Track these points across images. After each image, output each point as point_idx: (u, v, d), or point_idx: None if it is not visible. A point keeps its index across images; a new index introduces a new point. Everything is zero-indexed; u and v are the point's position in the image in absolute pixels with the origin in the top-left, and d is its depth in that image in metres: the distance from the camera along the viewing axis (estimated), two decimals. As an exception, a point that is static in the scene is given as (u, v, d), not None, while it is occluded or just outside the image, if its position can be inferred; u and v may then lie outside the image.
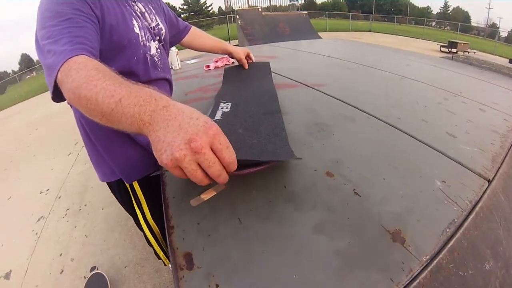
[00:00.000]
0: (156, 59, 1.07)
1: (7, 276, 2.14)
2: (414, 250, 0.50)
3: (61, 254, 2.26)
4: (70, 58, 0.62)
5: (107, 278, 1.86)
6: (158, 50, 1.08)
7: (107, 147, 1.04)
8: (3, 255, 2.39)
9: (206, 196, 0.60)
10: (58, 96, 0.68)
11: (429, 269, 0.48)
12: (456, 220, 0.57)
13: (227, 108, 1.04)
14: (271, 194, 0.64)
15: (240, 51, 1.49)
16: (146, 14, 1.03)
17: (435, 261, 0.49)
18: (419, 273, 0.47)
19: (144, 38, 0.98)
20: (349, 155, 0.78)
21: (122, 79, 0.58)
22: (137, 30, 0.95)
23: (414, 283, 0.45)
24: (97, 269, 2.03)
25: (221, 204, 0.62)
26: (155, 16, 1.07)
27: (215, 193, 0.60)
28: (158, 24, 1.08)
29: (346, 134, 0.89)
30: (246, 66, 1.47)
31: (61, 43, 0.66)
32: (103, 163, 1.10)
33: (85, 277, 1.97)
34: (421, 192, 0.63)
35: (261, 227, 0.56)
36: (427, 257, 0.49)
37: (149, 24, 1.03)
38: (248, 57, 1.52)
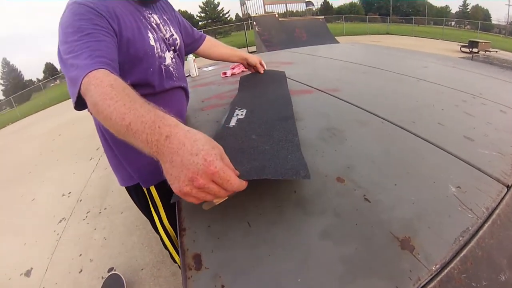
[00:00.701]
0: (172, 69, 1.10)
1: (27, 273, 2.23)
2: (423, 258, 0.48)
3: (80, 255, 2.33)
4: (90, 72, 0.67)
5: (123, 279, 1.90)
6: (173, 60, 1.11)
7: (124, 153, 1.08)
8: (25, 253, 2.49)
9: (218, 200, 0.61)
10: (80, 105, 0.73)
11: (438, 278, 0.46)
12: (470, 228, 0.54)
13: (241, 114, 1.05)
14: (281, 199, 0.65)
15: (255, 58, 1.52)
16: (161, 26, 1.06)
17: (445, 271, 0.47)
18: (428, 283, 0.45)
19: (159, 50, 1.01)
20: (360, 160, 0.77)
21: (133, 96, 0.60)
22: (152, 42, 0.98)
23: (422, 293, 0.44)
24: (115, 270, 2.08)
25: (231, 208, 0.63)
26: (169, 27, 1.11)
27: (226, 197, 0.60)
28: (172, 35, 1.11)
29: (358, 139, 0.88)
30: (262, 71, 1.50)
31: (82, 57, 0.71)
32: (122, 168, 1.14)
33: (102, 278, 2.02)
34: (434, 199, 0.62)
35: (269, 231, 0.57)
36: (437, 266, 0.47)
37: (164, 35, 1.07)
38: (260, 64, 1.54)
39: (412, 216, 0.57)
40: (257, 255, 0.52)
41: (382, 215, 0.58)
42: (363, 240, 0.53)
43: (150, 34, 0.98)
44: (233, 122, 1.00)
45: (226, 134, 0.92)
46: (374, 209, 0.60)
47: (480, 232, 0.55)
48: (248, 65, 1.54)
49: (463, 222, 0.56)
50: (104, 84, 0.63)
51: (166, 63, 1.06)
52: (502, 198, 0.64)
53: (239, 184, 0.52)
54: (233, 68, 1.98)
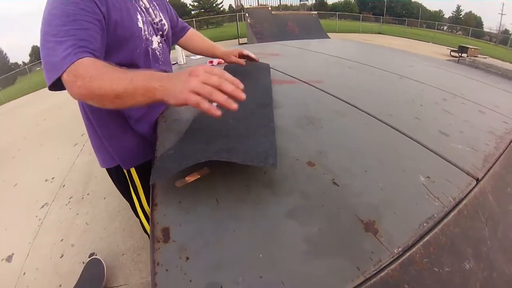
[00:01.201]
0: (158, 53, 1.10)
1: (9, 258, 2.20)
2: (386, 241, 0.50)
3: (62, 240, 2.31)
4: (75, 61, 0.71)
5: (104, 264, 1.90)
6: (160, 44, 1.11)
7: (107, 134, 1.08)
8: (6, 238, 2.45)
9: (190, 178, 0.64)
10: (55, 87, 0.77)
11: (399, 261, 0.48)
12: (435, 216, 0.56)
13: None
14: (250, 179, 0.66)
15: (230, 53, 1.46)
16: (150, 10, 1.06)
17: (407, 254, 0.49)
18: (389, 265, 0.47)
19: (146, 33, 1.01)
20: (334, 147, 0.78)
21: (121, 69, 0.73)
22: (140, 24, 0.98)
23: (382, 274, 0.46)
24: (96, 255, 2.07)
25: (202, 186, 0.64)
26: (158, 12, 1.11)
27: (199, 176, 0.62)
28: (161, 20, 1.11)
29: (334, 127, 0.90)
30: (243, 63, 1.46)
31: (66, 45, 0.72)
32: (104, 150, 1.14)
33: (83, 262, 2.01)
34: (402, 186, 0.64)
35: (236, 208, 0.58)
36: (399, 249, 0.49)
37: (153, 20, 1.07)
38: (242, 55, 1.50)
39: (378, 201, 0.59)
40: (223, 230, 0.53)
41: (349, 199, 0.60)
42: (328, 221, 0.54)
43: (138, 16, 0.98)
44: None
45: (203, 116, 0.93)
46: (342, 192, 0.61)
47: (445, 220, 0.57)
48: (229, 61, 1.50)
49: (429, 209, 0.58)
50: (97, 65, 0.73)
51: (153, 47, 1.06)
52: (471, 190, 0.66)
53: (231, 77, 0.68)
54: (222, 58, 1.96)
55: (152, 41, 1.05)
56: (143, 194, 1.21)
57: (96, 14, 0.81)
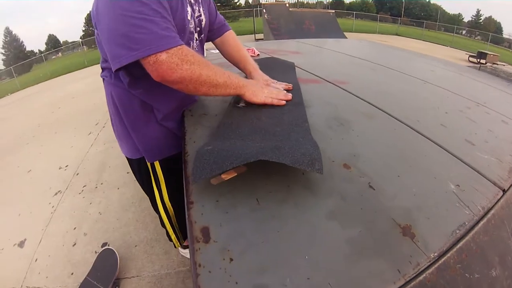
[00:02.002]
0: (196, 48, 1.11)
1: (21, 244, 2.23)
2: (422, 246, 0.51)
3: (75, 228, 2.33)
4: (181, 45, 0.80)
5: (117, 255, 1.91)
6: (198, 40, 1.11)
7: (134, 125, 1.08)
8: (19, 224, 2.48)
9: (226, 176, 0.63)
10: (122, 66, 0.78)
11: (436, 265, 0.49)
12: (466, 223, 0.57)
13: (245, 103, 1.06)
14: (290, 180, 0.66)
15: (260, 77, 1.24)
16: (194, 5, 1.05)
17: (442, 259, 0.50)
18: (426, 268, 0.48)
19: (192, 26, 1.02)
20: (366, 150, 0.79)
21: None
22: (189, 17, 0.98)
23: (421, 277, 0.47)
24: (108, 245, 2.09)
25: (240, 185, 0.64)
26: (200, 6, 1.09)
27: (235, 174, 0.62)
28: (200, 15, 1.09)
29: (364, 130, 0.90)
30: None
31: (160, 26, 0.77)
32: (129, 140, 1.13)
33: (96, 252, 2.03)
34: (434, 193, 0.64)
35: (277, 209, 0.58)
36: (435, 254, 0.50)
37: (195, 14, 1.05)
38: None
39: (412, 206, 0.60)
40: (266, 231, 0.53)
41: (385, 202, 0.60)
42: (367, 224, 0.55)
43: (188, 9, 0.98)
44: (242, 103, 1.01)
45: (235, 113, 0.94)
46: (378, 196, 0.62)
47: (476, 228, 0.58)
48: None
49: (460, 217, 0.58)
50: (199, 55, 0.85)
51: (194, 42, 1.07)
52: (498, 200, 0.66)
53: (284, 91, 1.12)
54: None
55: (194, 36, 1.06)
56: (165, 188, 1.22)
57: (167, 1, 0.84)
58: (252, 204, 0.59)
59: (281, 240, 0.51)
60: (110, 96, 1.09)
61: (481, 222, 0.59)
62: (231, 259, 0.48)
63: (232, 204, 0.60)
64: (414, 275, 0.46)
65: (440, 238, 0.53)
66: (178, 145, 1.08)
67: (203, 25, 1.12)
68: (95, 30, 0.90)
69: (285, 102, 1.01)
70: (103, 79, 1.08)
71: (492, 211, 0.63)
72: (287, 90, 1.14)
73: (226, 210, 0.58)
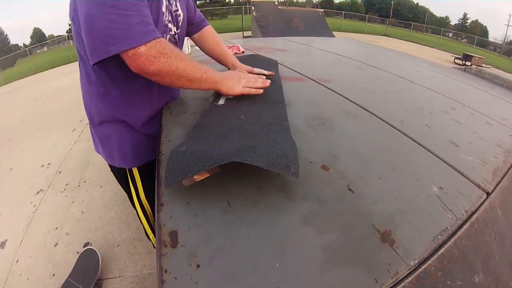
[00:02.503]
0: (172, 43, 1.05)
1: (2, 245, 2.16)
2: (402, 253, 0.49)
3: (56, 228, 2.28)
4: (159, 37, 0.79)
5: (99, 255, 1.87)
6: (175, 35, 1.08)
7: (109, 133, 1.08)
8: (0, 224, 2.41)
9: (198, 177, 0.61)
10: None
11: (416, 274, 0.47)
12: (449, 228, 0.56)
13: (226, 100, 1.04)
14: (264, 181, 0.64)
15: (243, 69, 1.30)
16: None
17: (423, 267, 0.48)
18: (405, 277, 0.46)
19: (166, 19, 0.99)
20: (347, 151, 0.77)
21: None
22: (164, 9, 0.96)
23: (399, 287, 0.45)
24: (90, 245, 2.05)
25: (212, 186, 0.62)
26: (176, 2, 1.06)
27: (208, 174, 0.59)
28: (177, 10, 1.06)
29: (346, 130, 0.88)
30: None
31: (136, 19, 0.76)
32: (106, 146, 1.13)
33: (78, 252, 1.99)
34: (416, 196, 0.62)
35: (248, 212, 0.56)
36: (415, 261, 0.48)
37: (172, 8, 1.03)
38: (252, 73, 1.37)
39: (394, 210, 0.58)
40: (236, 236, 0.51)
41: (364, 206, 0.58)
42: (345, 229, 0.52)
43: (164, 1, 0.95)
44: (221, 101, 1.00)
45: (214, 112, 0.92)
46: (357, 200, 0.60)
47: (458, 233, 0.56)
48: None
49: (443, 221, 0.57)
50: (177, 49, 0.86)
51: (169, 35, 1.04)
52: (482, 203, 0.65)
53: (262, 79, 1.12)
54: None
55: (169, 29, 1.03)
56: (141, 186, 1.19)
57: None
58: (223, 207, 0.57)
59: (250, 246, 0.49)
60: (88, 108, 1.08)
61: (464, 226, 0.58)
62: (198, 265, 0.46)
63: (203, 206, 0.57)
64: (392, 284, 0.44)
65: (421, 244, 0.51)
66: (150, 151, 1.10)
67: (180, 20, 1.09)
68: (73, 26, 0.88)
69: (262, 90, 1.06)
70: (86, 94, 1.06)
71: (476, 215, 0.62)
72: (268, 77, 1.18)
73: (196, 213, 0.56)
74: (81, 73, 1.01)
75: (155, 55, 0.78)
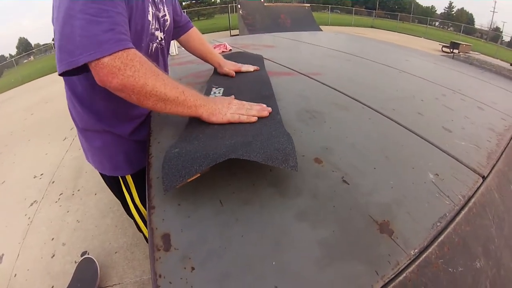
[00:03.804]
0: (159, 49, 1.05)
1: (-1, 260, 2.13)
2: (402, 242, 0.48)
3: (52, 239, 2.25)
4: (127, 48, 0.69)
5: (97, 264, 1.85)
6: (162, 41, 1.05)
7: (100, 145, 1.06)
8: (-5, 238, 2.37)
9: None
10: (68, 72, 0.69)
11: (417, 263, 0.46)
12: (447, 215, 0.55)
13: (219, 92, 1.03)
14: (256, 177, 0.63)
15: (231, 66, 1.33)
16: (158, 3, 0.99)
17: (423, 255, 0.47)
18: (406, 267, 0.45)
19: (153, 27, 0.95)
20: (339, 143, 0.76)
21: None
22: (150, 17, 0.91)
23: (400, 277, 0.44)
24: (88, 254, 2.02)
25: (203, 185, 0.61)
26: (164, 6, 1.03)
27: (199, 174, 0.58)
28: (165, 15, 1.04)
29: (338, 122, 0.87)
30: (233, 74, 1.31)
31: (104, 26, 0.67)
32: (97, 157, 1.12)
33: (75, 262, 1.96)
34: (413, 184, 0.62)
35: (242, 211, 0.55)
36: (416, 250, 0.47)
37: (158, 14, 0.99)
38: (239, 71, 1.36)
39: (390, 200, 0.57)
40: (229, 236, 0.50)
41: (360, 198, 0.57)
42: (341, 222, 0.51)
43: (150, 8, 0.91)
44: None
45: None
46: (353, 191, 0.59)
47: (457, 219, 0.56)
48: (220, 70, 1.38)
49: (441, 208, 0.56)
50: (149, 63, 0.73)
51: (155, 42, 1.00)
52: (478, 188, 0.65)
53: (257, 107, 0.86)
54: (214, 48, 1.92)
55: (156, 37, 0.99)
56: (135, 191, 1.18)
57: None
58: (215, 206, 0.56)
59: (245, 245, 0.48)
60: (77, 119, 1.05)
61: (462, 212, 0.58)
62: (193, 268, 0.44)
63: (195, 207, 0.56)
64: (394, 275, 0.43)
65: (421, 232, 0.50)
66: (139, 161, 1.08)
67: (167, 25, 1.06)
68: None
69: (256, 118, 0.83)
70: (73, 107, 1.03)
71: (473, 199, 0.62)
72: (255, 73, 1.14)
73: (188, 214, 0.54)
74: (65, 84, 0.97)
75: (119, 67, 0.67)
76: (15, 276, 1.97)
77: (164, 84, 0.73)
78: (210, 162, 0.57)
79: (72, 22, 0.66)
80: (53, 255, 2.09)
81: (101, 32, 0.66)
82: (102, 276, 1.85)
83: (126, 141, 1.06)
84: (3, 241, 2.32)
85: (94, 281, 1.77)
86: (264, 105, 0.87)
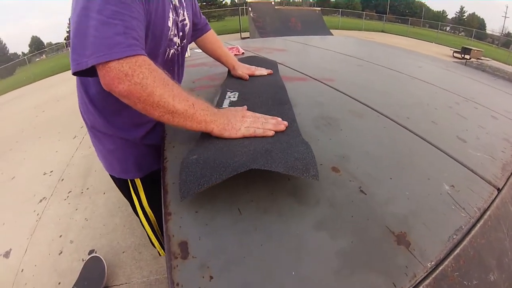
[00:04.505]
0: (176, 54, 1.04)
1: (6, 254, 2.16)
2: (419, 254, 0.47)
3: (60, 236, 2.27)
4: (138, 54, 0.67)
5: (104, 262, 1.86)
6: (180, 46, 1.05)
7: (111, 148, 1.06)
8: (4, 234, 2.40)
9: None
10: (83, 72, 0.67)
11: (433, 275, 0.46)
12: (463, 227, 0.54)
13: (234, 97, 1.02)
14: (274, 186, 0.62)
15: (244, 69, 1.34)
16: (178, 8, 0.98)
17: (440, 268, 0.47)
18: (423, 279, 0.45)
19: (172, 33, 0.94)
20: (356, 151, 0.76)
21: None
22: (170, 23, 0.91)
23: (417, 290, 0.43)
24: (95, 253, 2.04)
25: (220, 193, 0.61)
26: (184, 11, 1.02)
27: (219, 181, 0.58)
28: (184, 19, 1.03)
29: (353, 130, 0.87)
30: (246, 78, 1.31)
31: (115, 30, 0.65)
32: (107, 159, 1.12)
33: (83, 260, 1.98)
34: (428, 195, 0.61)
35: (260, 220, 0.54)
36: (432, 263, 0.47)
37: (178, 19, 0.99)
38: (253, 75, 1.37)
39: (407, 211, 0.56)
40: (248, 244, 0.49)
41: (377, 208, 0.57)
42: (359, 233, 0.51)
43: (170, 14, 0.90)
44: (225, 104, 0.97)
45: None
46: (370, 202, 0.58)
47: (472, 232, 0.55)
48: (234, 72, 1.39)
49: (457, 220, 0.56)
50: (160, 71, 0.70)
51: (173, 48, 1.00)
52: (493, 200, 0.64)
53: (273, 121, 0.80)
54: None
55: (174, 42, 0.98)
56: (143, 194, 1.18)
57: (142, 3, 0.74)
58: (233, 214, 0.55)
59: (264, 254, 0.48)
60: (87, 123, 1.06)
61: (478, 225, 0.57)
62: (211, 277, 0.44)
63: (212, 215, 0.56)
64: (411, 287, 0.43)
65: (437, 244, 0.50)
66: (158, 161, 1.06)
67: (186, 30, 1.05)
68: None
69: (273, 133, 0.77)
70: (84, 107, 1.03)
71: (488, 212, 0.61)
72: (270, 78, 1.11)
73: (206, 222, 0.54)
74: (78, 83, 0.98)
75: (126, 72, 0.65)
76: (22, 271, 1.99)
77: (173, 95, 0.69)
78: (231, 171, 0.57)
79: (85, 22, 0.65)
80: (61, 252, 2.12)
81: (113, 34, 0.65)
82: (109, 275, 1.86)
83: (138, 145, 1.06)
84: (12, 236, 2.35)
85: (101, 280, 1.78)
86: (280, 119, 0.82)
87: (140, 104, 0.68)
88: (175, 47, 1.00)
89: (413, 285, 0.43)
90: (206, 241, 0.50)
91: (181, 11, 1.00)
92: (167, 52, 0.97)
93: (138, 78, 0.65)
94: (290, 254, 0.47)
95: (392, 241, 0.50)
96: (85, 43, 0.64)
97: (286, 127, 0.80)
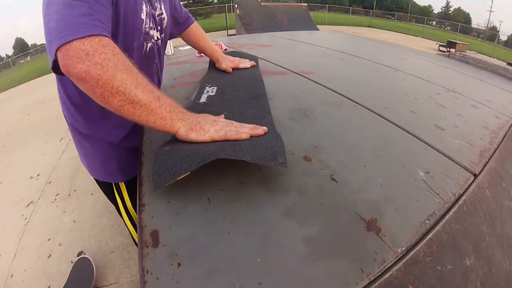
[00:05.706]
0: (154, 49, 1.02)
1: (-5, 260, 2.12)
2: (389, 240, 0.48)
3: (49, 239, 2.25)
4: (101, 34, 0.61)
5: (93, 263, 1.85)
6: (158, 40, 1.03)
7: (95, 153, 1.06)
8: (-8, 239, 2.36)
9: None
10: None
11: (404, 261, 0.46)
12: (436, 212, 0.55)
13: (212, 92, 1.03)
14: (244, 175, 0.63)
15: (228, 62, 1.33)
16: (155, 2, 0.96)
17: (411, 253, 0.48)
18: (393, 265, 0.45)
19: (147, 26, 0.92)
20: (330, 141, 0.76)
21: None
22: (143, 16, 0.88)
23: (386, 275, 0.44)
24: (84, 254, 2.02)
25: (192, 183, 0.61)
26: (161, 4, 1.00)
27: (189, 172, 0.58)
28: (162, 13, 1.01)
29: (329, 120, 0.87)
30: (230, 71, 1.31)
31: (81, 10, 0.61)
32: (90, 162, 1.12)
33: (72, 262, 1.95)
34: (402, 182, 0.62)
35: (229, 208, 0.55)
36: (403, 248, 0.47)
37: (154, 12, 0.96)
38: (237, 68, 1.37)
39: (379, 198, 0.57)
40: (217, 232, 0.50)
41: (349, 196, 0.57)
42: (328, 220, 0.52)
43: (143, 7, 0.87)
44: (203, 99, 0.98)
45: (196, 110, 0.89)
46: (341, 189, 0.59)
47: (447, 217, 0.56)
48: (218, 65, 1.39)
49: (430, 206, 0.56)
50: (125, 56, 0.64)
51: (150, 42, 0.97)
52: (469, 186, 0.65)
53: (249, 126, 0.72)
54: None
55: (151, 36, 0.96)
56: (127, 195, 1.17)
57: None
58: (203, 203, 0.56)
59: (232, 242, 0.48)
60: (71, 125, 1.04)
61: (452, 210, 0.58)
62: (179, 264, 0.45)
63: (184, 204, 0.56)
64: (379, 273, 0.43)
65: (409, 230, 0.51)
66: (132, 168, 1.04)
67: (164, 23, 1.04)
68: None
69: (247, 136, 0.68)
70: (67, 112, 1.02)
71: (464, 197, 0.62)
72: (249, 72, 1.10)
73: (177, 212, 0.55)
74: (58, 82, 0.96)
75: (88, 51, 0.58)
76: (11, 276, 1.96)
77: (136, 82, 0.62)
78: (199, 161, 0.57)
79: (50, 9, 0.62)
80: (50, 255, 2.09)
81: (78, 15, 0.60)
82: (98, 276, 1.85)
83: (118, 148, 1.05)
84: (0, 241, 2.31)
85: (90, 281, 1.76)
86: (258, 126, 0.73)
87: (98, 89, 0.59)
88: (153, 40, 0.98)
89: (382, 271, 0.44)
90: (177, 230, 0.51)
91: (158, 5, 0.98)
92: (145, 46, 0.95)
93: (100, 58, 0.59)
94: (257, 241, 0.48)
95: (362, 228, 0.50)
96: (50, 30, 0.61)
97: (261, 115, 0.80)
